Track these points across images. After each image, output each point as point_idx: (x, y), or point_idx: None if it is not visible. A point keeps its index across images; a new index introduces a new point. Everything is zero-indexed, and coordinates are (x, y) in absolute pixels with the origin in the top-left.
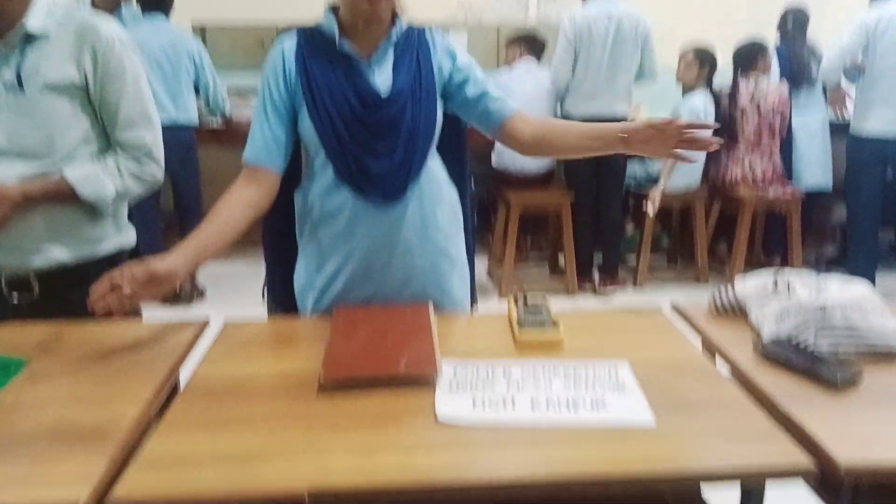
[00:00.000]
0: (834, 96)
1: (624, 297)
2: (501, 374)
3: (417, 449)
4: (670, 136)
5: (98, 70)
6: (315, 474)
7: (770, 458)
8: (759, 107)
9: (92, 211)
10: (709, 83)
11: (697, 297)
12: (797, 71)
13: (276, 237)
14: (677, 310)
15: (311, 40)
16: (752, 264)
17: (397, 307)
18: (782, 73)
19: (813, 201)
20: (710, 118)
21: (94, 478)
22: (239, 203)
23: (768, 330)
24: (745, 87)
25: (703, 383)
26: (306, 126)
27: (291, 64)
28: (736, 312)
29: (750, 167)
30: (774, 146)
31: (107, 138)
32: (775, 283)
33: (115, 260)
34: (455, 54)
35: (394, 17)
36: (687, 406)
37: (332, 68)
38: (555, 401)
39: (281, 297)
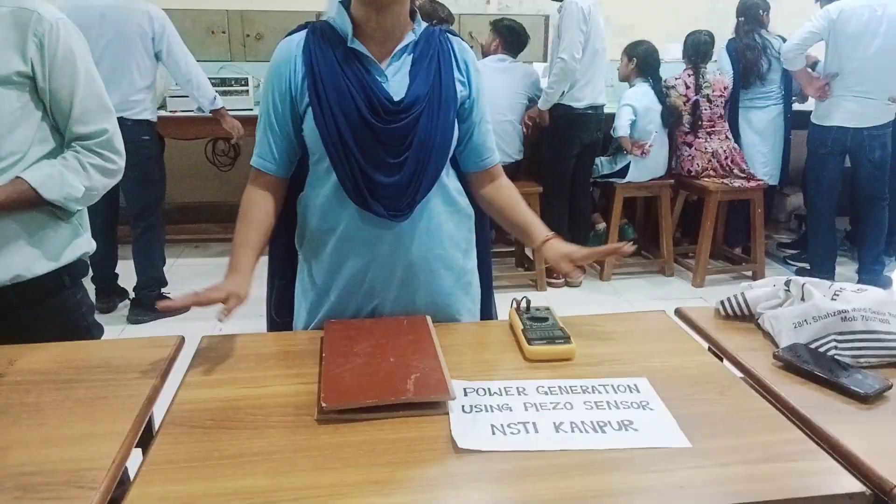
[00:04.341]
0: (807, 81)
1: (597, 295)
2: (516, 394)
3: (441, 484)
4: (579, 263)
5: (45, 58)
6: None
7: (817, 481)
8: (708, 97)
9: (54, 216)
10: (649, 76)
11: (666, 291)
12: (746, 67)
13: (278, 246)
14: (681, 314)
15: (321, 38)
16: (715, 256)
17: (392, 320)
18: (734, 67)
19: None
20: (649, 110)
21: None
22: (262, 208)
23: (786, 337)
24: (690, 80)
25: (728, 396)
26: (311, 130)
27: (298, 63)
28: (745, 317)
29: (713, 155)
30: (726, 128)
31: (60, 135)
32: (787, 288)
33: (73, 270)
34: (472, 71)
35: (412, 14)
36: (716, 422)
37: (342, 69)
38: (579, 423)
39: (284, 311)
